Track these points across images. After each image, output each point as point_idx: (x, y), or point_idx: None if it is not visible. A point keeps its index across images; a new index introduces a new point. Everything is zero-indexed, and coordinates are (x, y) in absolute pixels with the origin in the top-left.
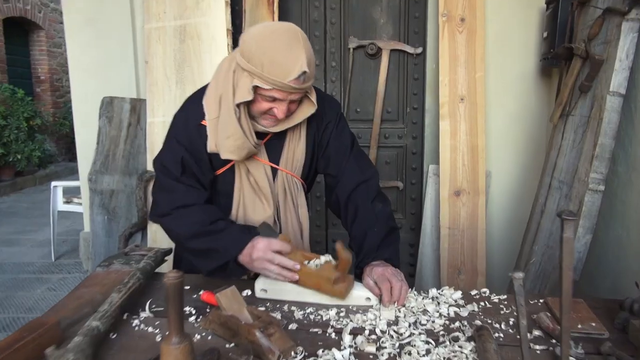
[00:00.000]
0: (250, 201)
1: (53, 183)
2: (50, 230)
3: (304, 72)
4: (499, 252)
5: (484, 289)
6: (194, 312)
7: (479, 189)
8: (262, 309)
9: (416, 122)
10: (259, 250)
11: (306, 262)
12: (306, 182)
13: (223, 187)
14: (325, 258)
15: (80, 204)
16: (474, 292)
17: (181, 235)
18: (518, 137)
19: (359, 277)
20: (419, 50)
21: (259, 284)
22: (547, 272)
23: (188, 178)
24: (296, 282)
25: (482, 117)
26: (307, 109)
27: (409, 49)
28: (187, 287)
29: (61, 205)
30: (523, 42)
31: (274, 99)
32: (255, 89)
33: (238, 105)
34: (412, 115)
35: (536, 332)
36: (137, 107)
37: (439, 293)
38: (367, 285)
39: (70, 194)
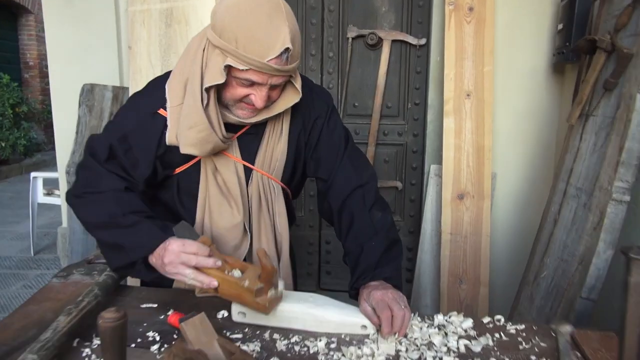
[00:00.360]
0: (217, 205)
1: (32, 174)
2: (35, 222)
3: (287, 50)
4: (503, 261)
5: (498, 316)
6: (158, 338)
7: (484, 192)
8: (239, 336)
9: (418, 118)
10: (171, 253)
11: (233, 271)
12: (290, 187)
13: (186, 186)
14: (254, 268)
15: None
16: (486, 320)
17: (87, 223)
18: (526, 137)
19: (355, 299)
20: (423, 41)
21: (237, 306)
22: (560, 289)
23: (113, 166)
24: (215, 291)
25: (489, 114)
26: (291, 98)
27: (411, 39)
28: (154, 305)
29: (41, 198)
30: (535, 35)
31: (252, 84)
32: (229, 70)
33: (207, 90)
34: (414, 111)
35: None
36: (120, 95)
37: (446, 320)
38: (365, 313)
39: (52, 186)
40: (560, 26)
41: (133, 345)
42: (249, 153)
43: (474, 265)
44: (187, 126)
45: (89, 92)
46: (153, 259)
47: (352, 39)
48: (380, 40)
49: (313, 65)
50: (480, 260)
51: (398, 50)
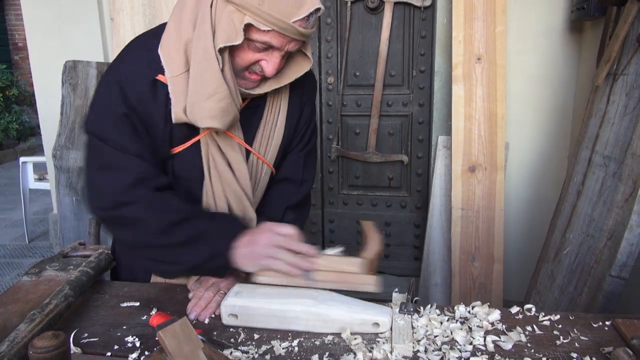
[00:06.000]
0: (226, 191)
1: (22, 159)
2: (27, 209)
3: (317, 10)
4: (518, 237)
5: (528, 305)
6: (138, 344)
7: (497, 163)
8: (232, 340)
9: (423, 87)
10: (266, 232)
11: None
12: (276, 168)
13: (184, 170)
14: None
15: None
16: (514, 310)
17: (154, 226)
18: (540, 103)
19: None
20: (428, 2)
21: (227, 307)
22: (586, 267)
23: (141, 149)
24: (308, 276)
25: (502, 79)
26: (301, 66)
27: (415, 1)
28: (136, 304)
29: (32, 183)
30: None
31: (267, 48)
32: (246, 30)
33: (220, 52)
34: (419, 79)
35: None
36: None
37: (468, 312)
38: None
39: (43, 170)
40: None
41: (109, 354)
42: (249, 131)
43: (487, 241)
44: (204, 95)
45: (71, 70)
46: (237, 247)
47: (351, 2)
48: (381, 3)
49: None
50: (493, 236)
51: (401, 14)
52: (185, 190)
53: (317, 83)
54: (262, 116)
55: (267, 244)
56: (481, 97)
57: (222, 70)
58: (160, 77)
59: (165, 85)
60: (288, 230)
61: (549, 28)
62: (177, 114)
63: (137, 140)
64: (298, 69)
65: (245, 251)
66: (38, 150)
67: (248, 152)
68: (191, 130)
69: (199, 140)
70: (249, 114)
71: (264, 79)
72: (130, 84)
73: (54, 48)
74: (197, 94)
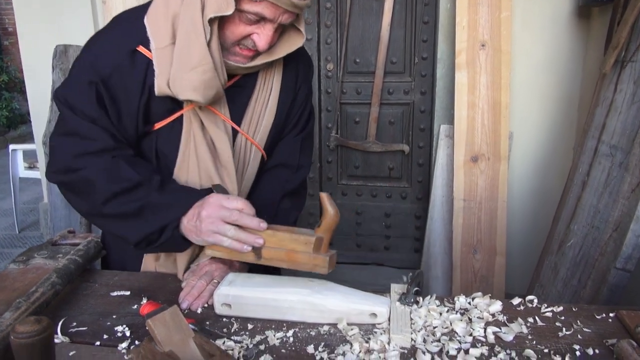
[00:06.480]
0: (204, 167)
1: (11, 146)
2: (17, 198)
3: None
4: (521, 229)
5: (530, 297)
6: (128, 333)
7: (501, 153)
8: (224, 330)
9: (425, 74)
10: (210, 205)
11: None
12: (266, 152)
13: (167, 147)
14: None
15: None
16: (516, 302)
17: (99, 196)
18: (546, 91)
19: None
20: None
21: (220, 296)
22: (590, 259)
23: (105, 119)
24: (258, 253)
25: (506, 67)
26: (293, 41)
27: None
28: (126, 293)
29: (23, 172)
30: None
31: (259, 20)
32: (237, 0)
33: (210, 24)
34: (421, 66)
35: None
36: None
37: (469, 303)
38: None
39: (33, 158)
40: None
41: (98, 343)
42: (236, 111)
43: (490, 233)
44: (188, 67)
45: (62, 54)
46: (185, 221)
47: None
48: None
49: (309, 18)
50: (496, 228)
51: None
52: (167, 168)
53: (312, 63)
54: (252, 95)
55: (212, 219)
56: (485, 85)
57: (209, 43)
58: (141, 48)
59: (144, 57)
60: (236, 203)
61: (555, 14)
62: (160, 87)
63: (101, 109)
64: (291, 45)
65: (191, 226)
66: (29, 138)
67: (236, 133)
68: (175, 105)
69: (182, 117)
70: (238, 92)
71: (256, 55)
72: (105, 52)
73: (44, 32)
74: (180, 65)
